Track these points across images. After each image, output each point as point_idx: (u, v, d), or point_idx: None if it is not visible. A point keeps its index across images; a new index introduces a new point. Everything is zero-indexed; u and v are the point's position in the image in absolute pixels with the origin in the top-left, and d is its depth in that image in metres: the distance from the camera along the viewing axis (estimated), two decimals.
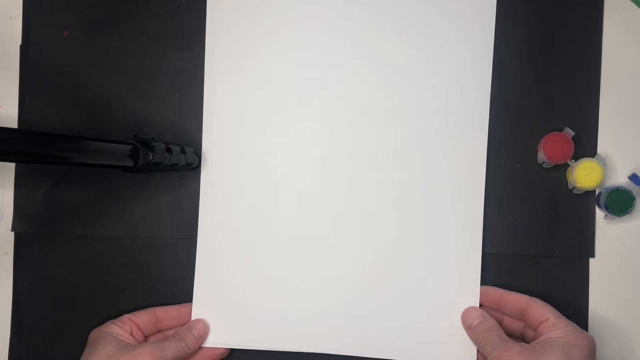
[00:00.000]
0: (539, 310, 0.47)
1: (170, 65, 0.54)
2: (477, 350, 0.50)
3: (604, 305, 0.52)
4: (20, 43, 0.55)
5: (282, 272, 0.52)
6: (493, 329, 0.48)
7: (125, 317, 0.50)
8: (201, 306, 0.52)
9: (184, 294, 0.53)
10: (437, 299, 0.51)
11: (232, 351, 0.52)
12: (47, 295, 0.54)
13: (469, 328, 0.50)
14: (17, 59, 0.55)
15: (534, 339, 0.47)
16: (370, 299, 0.52)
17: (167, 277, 0.53)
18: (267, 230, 0.52)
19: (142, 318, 0.51)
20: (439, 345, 0.51)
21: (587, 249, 0.52)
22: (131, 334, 0.49)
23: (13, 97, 0.54)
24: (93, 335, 0.49)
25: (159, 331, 0.52)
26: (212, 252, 0.52)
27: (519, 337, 0.50)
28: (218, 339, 0.52)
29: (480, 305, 0.51)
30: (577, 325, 0.46)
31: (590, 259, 0.52)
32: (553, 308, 0.47)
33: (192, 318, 0.52)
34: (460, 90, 0.52)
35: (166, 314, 0.52)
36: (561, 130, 0.51)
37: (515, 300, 0.49)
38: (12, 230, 0.54)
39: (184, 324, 0.52)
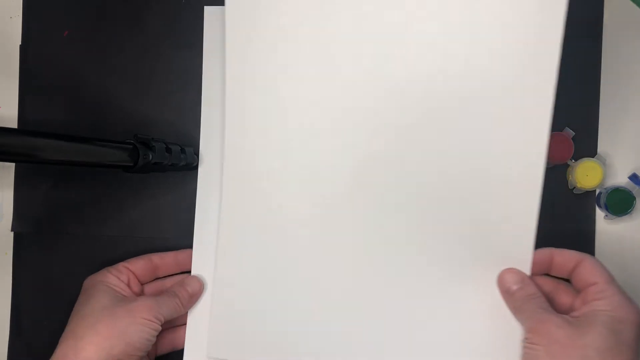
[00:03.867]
0: (589, 272, 0.41)
1: (170, 65, 0.54)
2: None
3: None
4: (20, 43, 0.55)
5: (280, 271, 0.51)
6: (534, 296, 0.42)
7: (122, 265, 0.48)
8: (200, 306, 0.52)
9: None
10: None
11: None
12: (47, 295, 0.54)
13: (506, 292, 0.44)
14: (17, 59, 0.55)
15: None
16: (391, 307, 0.48)
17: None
18: (264, 230, 0.52)
19: (139, 266, 0.49)
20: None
21: (587, 249, 0.52)
22: (128, 284, 0.47)
23: (13, 97, 0.55)
24: (88, 283, 0.47)
25: (156, 278, 0.50)
26: (209, 252, 0.52)
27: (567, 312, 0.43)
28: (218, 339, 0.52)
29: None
30: (627, 296, 0.40)
31: None
32: (607, 271, 0.42)
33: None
34: (520, 95, 0.48)
35: (163, 260, 0.50)
36: (561, 130, 0.51)
37: (566, 258, 0.43)
38: (12, 230, 0.54)
39: (181, 271, 0.51)
